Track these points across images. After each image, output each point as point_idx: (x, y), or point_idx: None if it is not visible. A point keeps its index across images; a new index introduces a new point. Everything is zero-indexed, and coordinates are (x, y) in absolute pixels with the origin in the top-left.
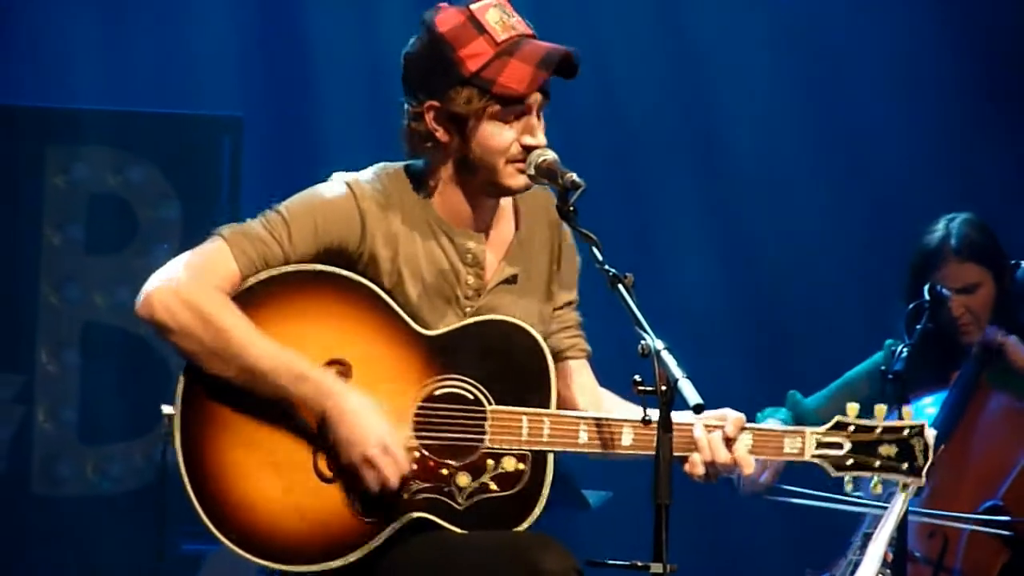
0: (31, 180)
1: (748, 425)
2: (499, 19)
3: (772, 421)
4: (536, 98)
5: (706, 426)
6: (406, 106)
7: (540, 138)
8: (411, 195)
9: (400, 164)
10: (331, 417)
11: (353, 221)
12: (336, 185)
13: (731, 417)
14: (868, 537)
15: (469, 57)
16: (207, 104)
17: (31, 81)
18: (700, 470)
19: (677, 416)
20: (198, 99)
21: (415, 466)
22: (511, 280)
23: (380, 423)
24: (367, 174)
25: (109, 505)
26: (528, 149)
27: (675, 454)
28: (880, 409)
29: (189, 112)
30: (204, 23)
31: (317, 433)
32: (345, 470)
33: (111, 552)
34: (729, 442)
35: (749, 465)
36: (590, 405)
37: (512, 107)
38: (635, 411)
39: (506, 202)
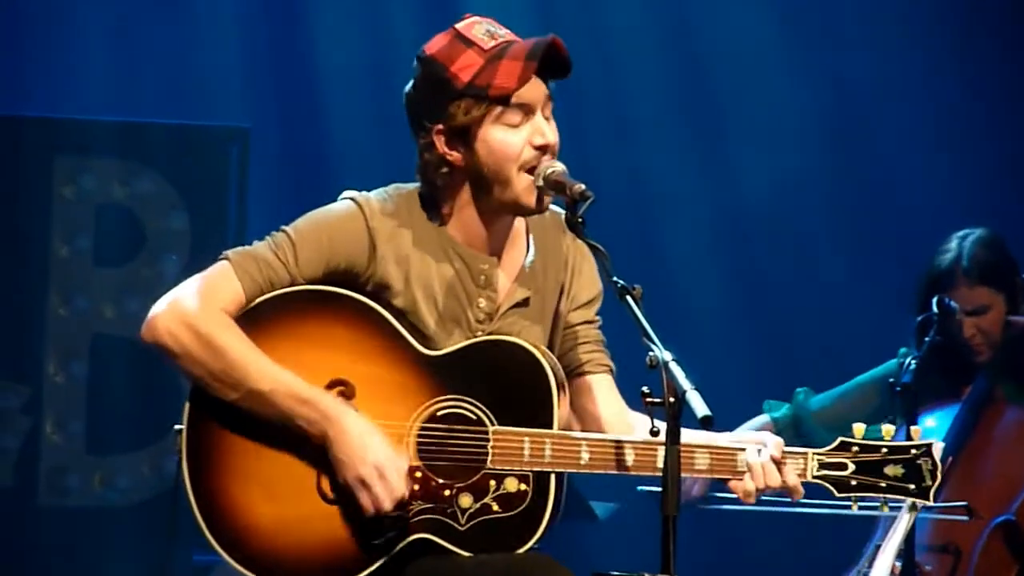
0: (39, 191)
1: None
2: (485, 31)
3: (763, 417)
4: (536, 96)
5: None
6: (418, 141)
7: (550, 136)
8: (424, 216)
9: (414, 185)
10: (331, 439)
11: (362, 241)
12: (345, 205)
13: (772, 440)
14: (879, 549)
15: (461, 70)
16: (214, 115)
17: (39, 92)
18: (750, 486)
19: (718, 438)
20: (205, 110)
21: (416, 487)
22: (523, 303)
23: (379, 446)
24: (379, 193)
25: (116, 517)
26: (541, 150)
27: (720, 477)
28: (888, 430)
29: (197, 123)
30: (211, 34)
31: (322, 451)
32: (350, 492)
33: (118, 564)
34: (779, 466)
35: (800, 492)
36: (613, 419)
37: (513, 109)
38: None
39: (519, 224)
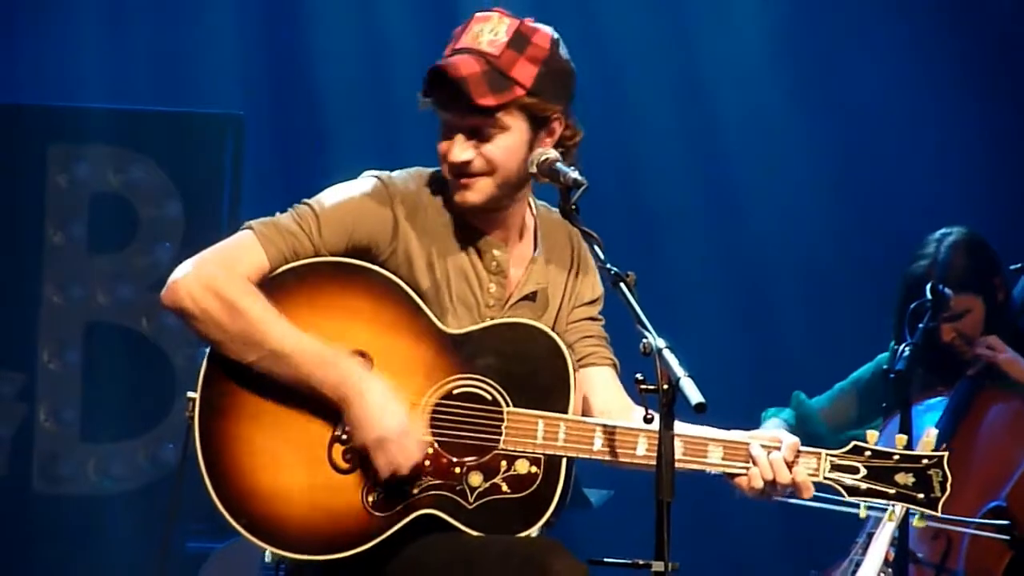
0: (33, 179)
1: (766, 444)
2: (475, 31)
3: (775, 421)
4: (444, 115)
5: (762, 446)
6: None
7: (454, 154)
8: (441, 199)
9: (433, 168)
10: (349, 400)
11: (385, 220)
12: (370, 182)
13: (787, 441)
14: (871, 537)
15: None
16: (209, 102)
17: (33, 79)
18: (758, 483)
19: (731, 434)
20: (200, 97)
21: (428, 463)
22: (531, 297)
23: (397, 410)
24: (401, 174)
25: (110, 504)
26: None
27: (729, 471)
28: (901, 439)
29: (191, 110)
30: (205, 21)
31: (335, 421)
32: (360, 463)
33: (112, 551)
34: (789, 466)
35: (809, 489)
36: (616, 412)
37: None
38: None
39: (528, 221)
